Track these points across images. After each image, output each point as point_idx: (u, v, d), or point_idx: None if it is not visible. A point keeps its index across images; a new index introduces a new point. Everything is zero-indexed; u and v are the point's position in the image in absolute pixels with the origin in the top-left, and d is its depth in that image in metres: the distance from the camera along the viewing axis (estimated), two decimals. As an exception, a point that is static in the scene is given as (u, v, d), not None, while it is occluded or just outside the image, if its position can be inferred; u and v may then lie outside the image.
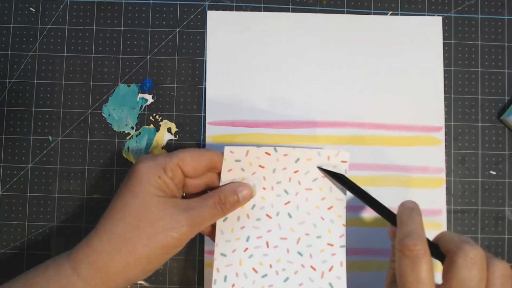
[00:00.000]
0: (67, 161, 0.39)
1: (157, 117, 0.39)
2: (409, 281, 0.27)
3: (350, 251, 0.38)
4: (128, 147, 0.39)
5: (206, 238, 0.38)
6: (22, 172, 0.39)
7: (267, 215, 0.34)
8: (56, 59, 0.39)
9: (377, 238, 0.38)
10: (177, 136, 0.39)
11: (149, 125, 0.39)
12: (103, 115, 0.39)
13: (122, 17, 0.40)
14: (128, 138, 0.39)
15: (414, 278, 0.27)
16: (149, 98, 0.39)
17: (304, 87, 0.39)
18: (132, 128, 0.39)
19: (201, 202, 0.32)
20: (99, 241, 0.30)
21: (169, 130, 0.39)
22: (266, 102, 0.39)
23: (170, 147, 0.39)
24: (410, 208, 0.30)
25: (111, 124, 0.39)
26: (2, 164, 0.39)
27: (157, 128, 0.39)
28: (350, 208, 0.38)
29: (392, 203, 0.39)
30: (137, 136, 0.39)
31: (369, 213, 0.38)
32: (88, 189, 0.39)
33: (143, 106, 0.39)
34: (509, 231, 0.39)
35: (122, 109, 0.39)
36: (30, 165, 0.39)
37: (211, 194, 0.32)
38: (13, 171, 0.39)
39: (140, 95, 0.39)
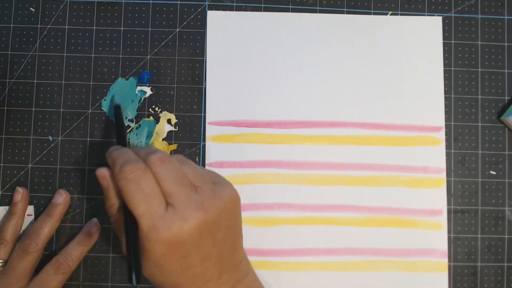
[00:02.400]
0: (67, 161, 0.39)
1: (156, 109, 0.39)
2: (138, 201, 0.28)
3: (350, 251, 0.38)
4: (129, 140, 0.39)
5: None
6: (22, 172, 0.39)
7: None
8: (56, 59, 0.39)
9: (377, 238, 0.38)
10: (177, 127, 0.39)
11: (148, 117, 0.39)
12: (103, 108, 0.39)
13: (122, 17, 0.40)
14: (128, 131, 0.39)
15: (142, 194, 0.28)
16: (148, 90, 0.39)
17: (304, 87, 0.39)
18: (132, 121, 0.39)
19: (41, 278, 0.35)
20: None
21: (169, 121, 0.39)
22: (266, 102, 0.39)
23: (170, 138, 0.39)
24: (117, 148, 0.32)
25: (111, 120, 0.39)
26: (2, 164, 0.39)
27: (157, 120, 0.39)
28: (350, 208, 0.38)
29: (392, 203, 0.39)
30: (137, 128, 0.39)
31: (368, 213, 0.38)
32: (88, 189, 0.39)
33: (142, 99, 0.39)
34: (509, 231, 0.39)
35: (121, 102, 0.39)
36: (30, 165, 0.39)
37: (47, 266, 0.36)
38: (13, 171, 0.39)
39: (139, 88, 0.39)
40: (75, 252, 0.36)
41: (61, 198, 0.37)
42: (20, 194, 0.37)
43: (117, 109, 0.37)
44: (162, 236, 0.28)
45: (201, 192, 0.29)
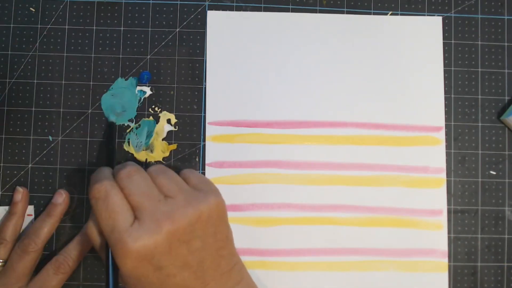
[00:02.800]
0: (67, 161, 0.39)
1: (156, 108, 0.39)
2: (104, 218, 0.29)
3: (350, 251, 0.38)
4: (129, 140, 0.39)
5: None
6: (22, 172, 0.39)
7: None
8: (56, 59, 0.39)
9: (377, 238, 0.38)
10: (177, 127, 0.39)
11: (148, 117, 0.39)
12: (102, 108, 0.39)
13: (122, 17, 0.40)
14: (128, 131, 0.39)
15: (108, 211, 0.29)
16: (148, 90, 0.39)
17: (304, 87, 0.39)
18: (132, 121, 0.39)
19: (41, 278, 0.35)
20: None
21: (168, 121, 0.39)
22: (266, 102, 0.39)
23: (170, 138, 0.39)
24: (98, 170, 0.33)
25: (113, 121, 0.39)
26: (2, 164, 0.39)
27: (157, 120, 0.39)
28: (350, 208, 0.38)
29: (392, 203, 0.39)
30: (137, 128, 0.39)
31: (368, 213, 0.38)
32: (88, 189, 0.39)
33: (142, 99, 0.39)
34: (509, 231, 0.39)
35: (121, 102, 0.39)
36: (30, 165, 0.39)
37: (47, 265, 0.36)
38: (13, 171, 0.39)
39: (138, 88, 0.39)
40: (75, 252, 0.36)
41: (61, 198, 0.37)
42: (20, 194, 0.37)
43: (112, 127, 0.38)
44: (129, 250, 0.28)
45: (172, 203, 0.30)
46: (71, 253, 0.36)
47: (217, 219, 0.31)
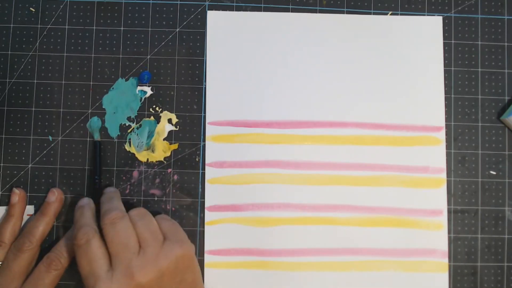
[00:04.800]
0: (67, 161, 0.39)
1: (157, 108, 0.39)
2: (83, 264, 0.32)
3: (350, 251, 0.38)
4: (130, 140, 0.39)
5: (206, 238, 0.38)
6: (22, 172, 0.39)
7: None
8: (56, 59, 0.39)
9: (377, 238, 0.38)
10: (177, 126, 0.39)
11: (149, 117, 0.39)
12: (104, 107, 0.39)
13: (122, 17, 0.40)
14: (129, 131, 0.39)
15: (87, 259, 0.32)
16: (148, 90, 0.39)
17: (304, 87, 0.39)
18: (133, 120, 0.39)
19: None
20: None
21: (169, 121, 0.39)
22: (266, 102, 0.39)
23: (171, 138, 0.39)
24: (80, 206, 0.36)
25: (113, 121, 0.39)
26: (2, 164, 0.39)
27: (158, 120, 0.39)
28: (350, 208, 0.38)
29: (392, 203, 0.39)
30: (137, 128, 0.39)
31: (368, 213, 0.38)
32: (88, 189, 0.39)
33: (142, 99, 0.39)
34: (509, 231, 0.39)
35: (121, 102, 0.39)
36: (30, 165, 0.39)
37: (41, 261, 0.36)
38: (13, 171, 0.39)
39: (139, 88, 0.39)
40: (66, 248, 0.36)
41: (54, 197, 0.37)
42: (17, 196, 0.37)
43: (97, 147, 0.39)
44: None
45: (144, 257, 0.32)
46: (62, 250, 0.36)
47: (183, 268, 0.33)
